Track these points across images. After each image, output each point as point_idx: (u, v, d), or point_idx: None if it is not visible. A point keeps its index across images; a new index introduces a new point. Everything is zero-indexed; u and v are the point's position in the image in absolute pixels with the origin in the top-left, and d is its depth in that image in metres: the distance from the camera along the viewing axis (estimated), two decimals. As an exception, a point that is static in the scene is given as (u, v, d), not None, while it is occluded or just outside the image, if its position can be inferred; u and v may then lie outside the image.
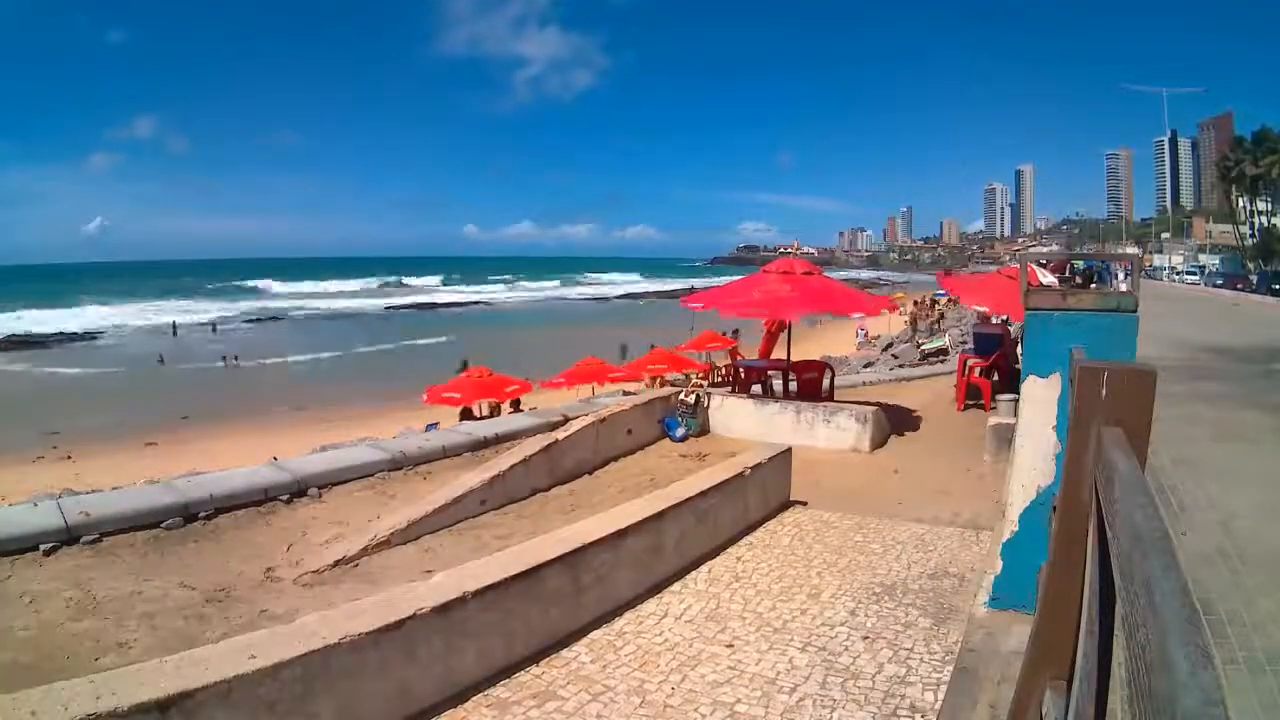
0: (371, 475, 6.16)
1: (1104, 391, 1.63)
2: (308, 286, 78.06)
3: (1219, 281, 44.84)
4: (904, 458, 7.71)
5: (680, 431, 8.33)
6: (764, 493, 5.76)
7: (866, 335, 32.78)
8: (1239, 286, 40.04)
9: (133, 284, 77.02)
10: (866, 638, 3.83)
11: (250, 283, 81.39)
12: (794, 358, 9.94)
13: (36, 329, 44.08)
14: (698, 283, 72.08)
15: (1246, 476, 5.75)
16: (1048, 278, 10.14)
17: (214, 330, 44.63)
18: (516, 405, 14.76)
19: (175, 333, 44.26)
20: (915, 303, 38.70)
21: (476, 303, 72.21)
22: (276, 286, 78.89)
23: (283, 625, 3.24)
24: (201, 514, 5.08)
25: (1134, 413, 1.60)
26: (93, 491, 7.51)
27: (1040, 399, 3.63)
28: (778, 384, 10.01)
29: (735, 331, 24.16)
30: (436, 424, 13.55)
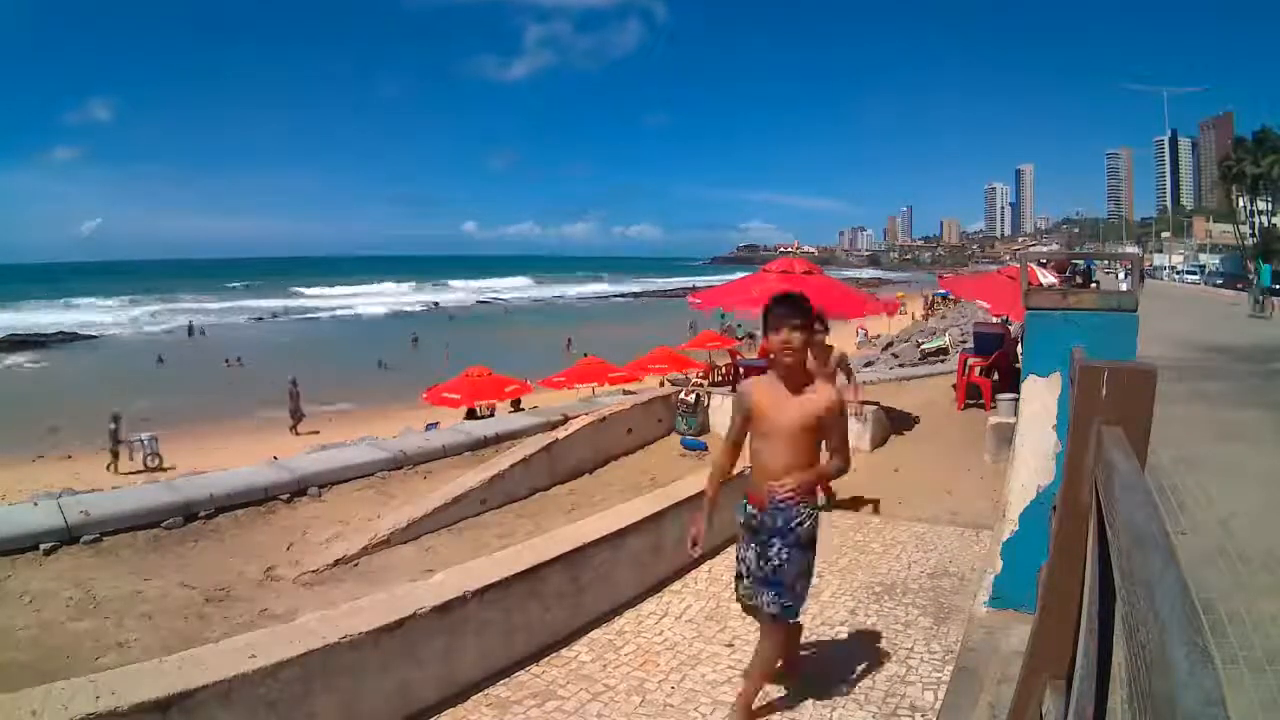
0: (372, 474, 6.16)
1: (1104, 391, 1.63)
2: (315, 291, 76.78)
3: (1219, 281, 44.83)
4: (904, 457, 7.70)
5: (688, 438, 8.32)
6: (764, 492, 5.74)
7: (867, 335, 32.80)
8: (1239, 286, 40.02)
9: (129, 284, 77.04)
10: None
11: (251, 283, 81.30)
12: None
13: (36, 329, 44.11)
14: (698, 282, 72.14)
15: (1247, 476, 5.75)
16: (1048, 277, 10.14)
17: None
18: (517, 405, 14.79)
19: (192, 333, 44.07)
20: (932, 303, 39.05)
21: (479, 302, 72.28)
22: (278, 288, 78.63)
23: (283, 624, 3.24)
24: (202, 513, 5.08)
25: (1134, 412, 1.60)
26: (93, 491, 7.53)
27: (1040, 398, 3.63)
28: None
29: (750, 335, 24.10)
30: (436, 423, 13.56)
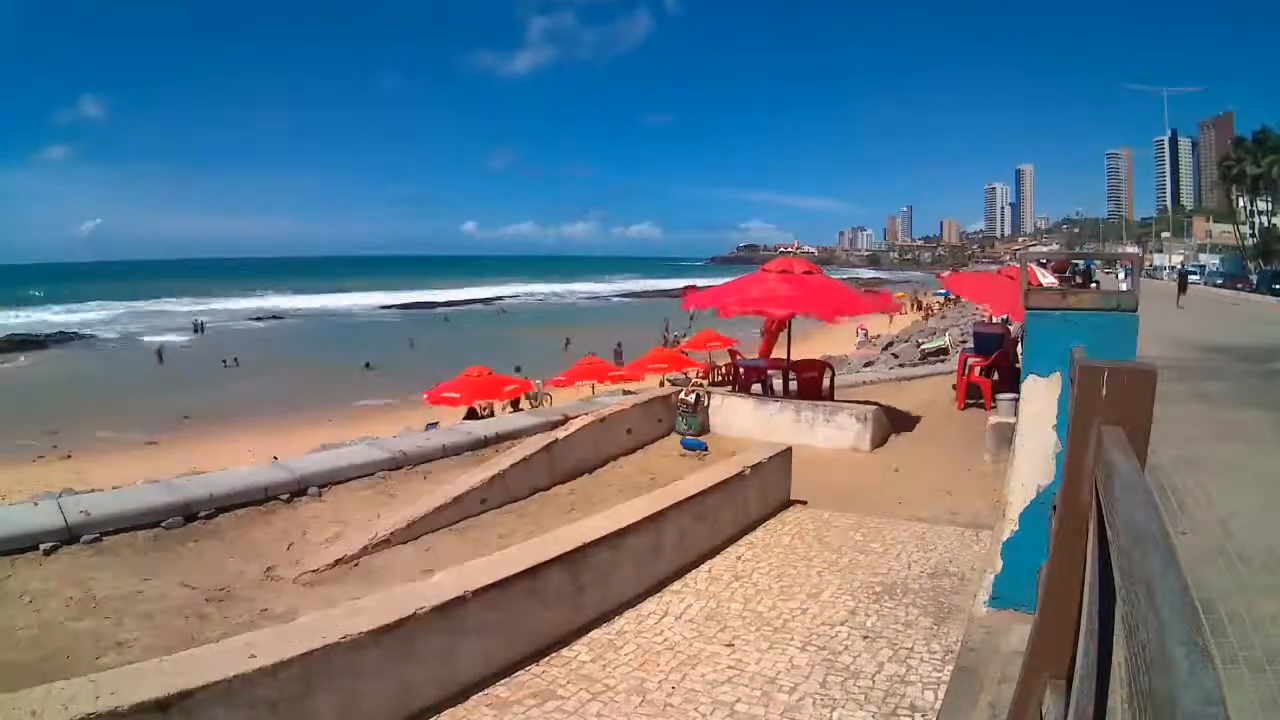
0: (372, 474, 6.15)
1: (1104, 391, 1.63)
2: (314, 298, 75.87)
3: (1219, 281, 44.88)
4: (904, 457, 7.70)
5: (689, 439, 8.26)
6: (764, 492, 5.75)
7: (867, 334, 32.80)
8: (1239, 286, 40.06)
9: (127, 284, 76.96)
10: (866, 637, 3.83)
11: (250, 284, 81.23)
12: (794, 357, 9.94)
13: (36, 329, 44.11)
14: (698, 282, 72.04)
15: (1247, 476, 5.75)
16: (1048, 277, 10.15)
17: (199, 331, 44.44)
18: (516, 405, 14.79)
19: (199, 331, 44.09)
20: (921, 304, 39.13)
21: (475, 300, 72.30)
22: (278, 289, 78.50)
23: (283, 624, 3.24)
24: (202, 513, 5.08)
25: (1134, 412, 1.60)
26: (93, 491, 7.52)
27: (1040, 398, 3.63)
28: (778, 383, 10.01)
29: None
30: (436, 423, 13.55)
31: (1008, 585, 3.66)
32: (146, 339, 41.73)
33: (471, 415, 14.24)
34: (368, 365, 28.84)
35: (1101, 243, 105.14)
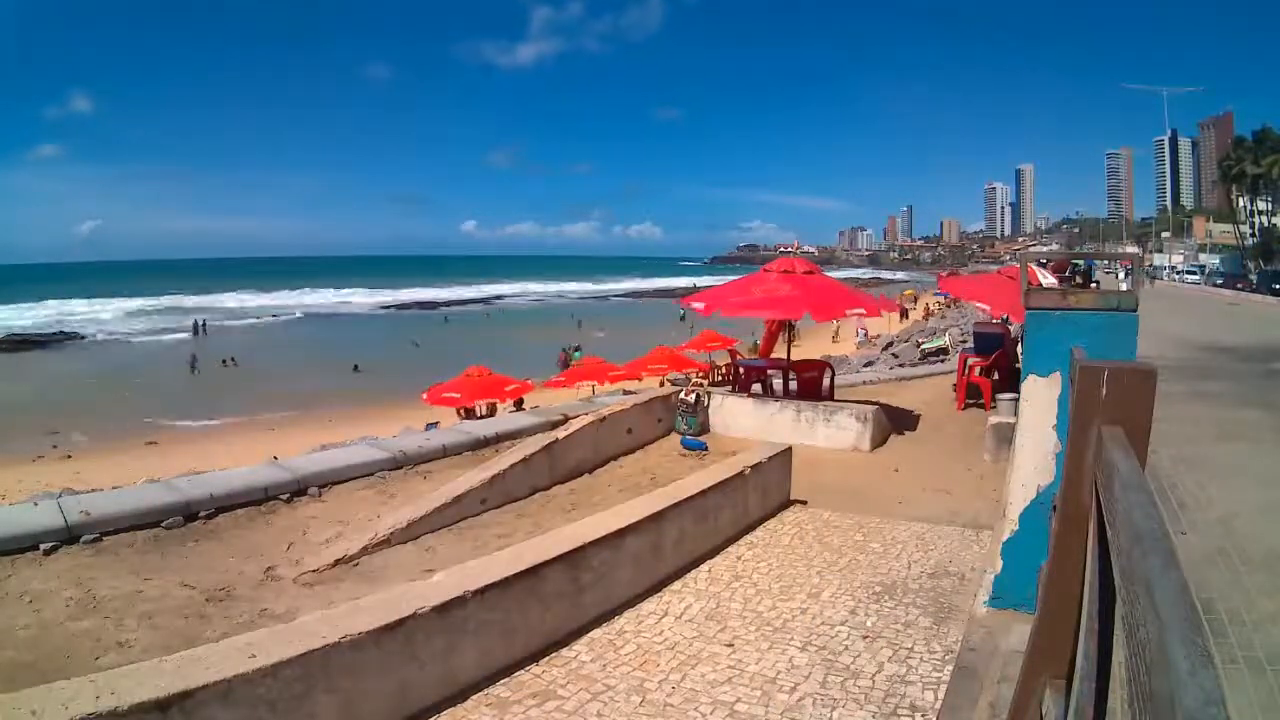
0: (372, 474, 6.16)
1: (1104, 391, 1.63)
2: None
3: (1219, 281, 44.96)
4: (904, 457, 7.70)
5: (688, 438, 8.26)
6: (764, 492, 5.75)
7: (867, 335, 32.81)
8: (1239, 286, 40.10)
9: (127, 283, 76.98)
10: (866, 637, 3.83)
11: (250, 284, 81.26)
12: (794, 357, 9.95)
13: (36, 329, 44.11)
14: (699, 281, 72.09)
15: (1247, 475, 5.76)
16: (1048, 278, 10.15)
17: (200, 332, 44.24)
18: (519, 405, 14.79)
19: (197, 332, 43.80)
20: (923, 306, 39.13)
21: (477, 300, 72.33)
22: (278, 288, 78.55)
23: (283, 624, 3.24)
24: (202, 513, 5.09)
25: (1134, 412, 1.60)
26: (93, 491, 7.52)
27: (1040, 398, 3.63)
28: (778, 383, 10.02)
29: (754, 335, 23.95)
30: (436, 423, 13.55)
31: (1008, 585, 3.66)
32: (147, 338, 41.75)
33: (468, 415, 14.26)
34: (355, 369, 28.71)
35: (1101, 243, 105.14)
